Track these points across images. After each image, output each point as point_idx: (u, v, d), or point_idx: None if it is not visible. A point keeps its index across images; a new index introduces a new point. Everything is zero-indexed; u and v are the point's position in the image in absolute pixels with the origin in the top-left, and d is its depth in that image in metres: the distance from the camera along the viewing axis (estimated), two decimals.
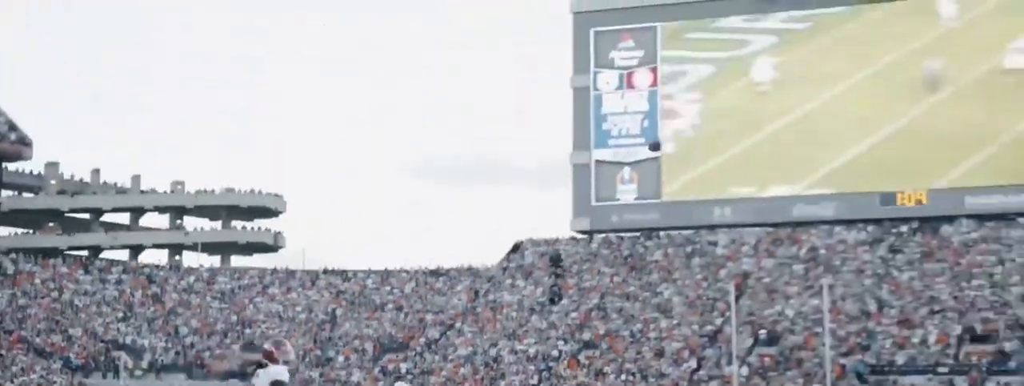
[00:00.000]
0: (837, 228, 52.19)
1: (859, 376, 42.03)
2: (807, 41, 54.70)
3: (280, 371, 11.26)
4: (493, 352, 48.88)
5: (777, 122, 54.14)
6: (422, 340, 51.20)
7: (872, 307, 46.07)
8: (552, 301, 52.17)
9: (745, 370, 43.05)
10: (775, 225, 53.34)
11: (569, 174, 57.59)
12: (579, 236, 57.29)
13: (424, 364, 49.02)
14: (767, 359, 44.37)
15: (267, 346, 11.56)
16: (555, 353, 47.90)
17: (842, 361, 42.65)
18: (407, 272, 58.03)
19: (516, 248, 57.81)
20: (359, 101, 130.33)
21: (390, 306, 55.20)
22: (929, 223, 51.11)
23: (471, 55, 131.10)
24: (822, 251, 51.00)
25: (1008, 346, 42.13)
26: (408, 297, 55.83)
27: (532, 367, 47.25)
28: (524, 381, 46.55)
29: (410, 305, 54.92)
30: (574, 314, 50.55)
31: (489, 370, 47.60)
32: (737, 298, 44.40)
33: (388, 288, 56.97)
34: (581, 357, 47.27)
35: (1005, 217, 50.38)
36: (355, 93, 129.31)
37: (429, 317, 53.30)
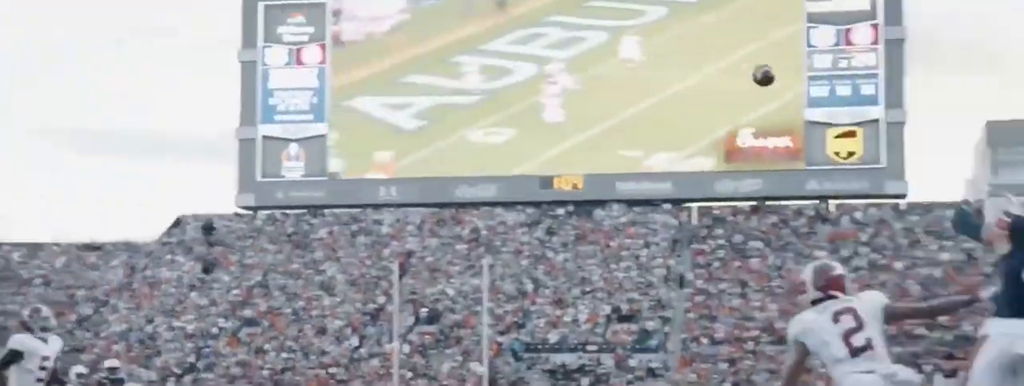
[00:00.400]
0: (498, 209, 53.84)
1: (514, 354, 43.69)
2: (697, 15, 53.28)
3: (18, 339, 11.15)
4: (149, 329, 47.56)
5: (645, 96, 52.96)
6: (73, 316, 49.15)
7: (529, 287, 47.92)
8: (206, 271, 51.17)
9: (406, 348, 43.83)
10: (440, 205, 54.39)
11: (235, 149, 56.60)
12: (243, 212, 56.47)
13: (74, 341, 47.03)
14: (427, 337, 45.37)
15: (24, 313, 11.45)
16: (214, 330, 47.12)
17: (499, 339, 44.20)
18: (58, 246, 55.55)
19: (177, 223, 56.41)
20: (8, 66, 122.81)
21: (38, 281, 52.68)
22: (583, 207, 53.55)
23: (137, 24, 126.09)
24: (484, 232, 52.51)
25: (650, 325, 44.86)
26: (58, 272, 53.45)
27: (190, 344, 46.31)
28: (181, 359, 45.54)
29: (61, 280, 52.60)
30: (235, 291, 49.85)
31: (144, 347, 46.30)
32: (400, 277, 45.01)
33: (37, 262, 54.34)
34: (241, 334, 46.74)
35: (652, 202, 53.49)
36: (6, 56, 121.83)
37: (81, 293, 51.24)
